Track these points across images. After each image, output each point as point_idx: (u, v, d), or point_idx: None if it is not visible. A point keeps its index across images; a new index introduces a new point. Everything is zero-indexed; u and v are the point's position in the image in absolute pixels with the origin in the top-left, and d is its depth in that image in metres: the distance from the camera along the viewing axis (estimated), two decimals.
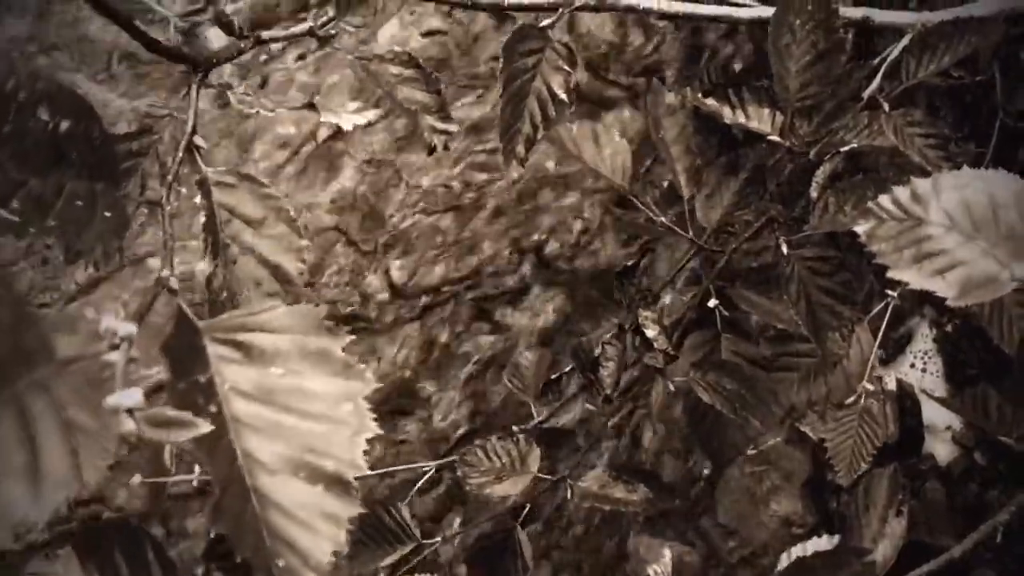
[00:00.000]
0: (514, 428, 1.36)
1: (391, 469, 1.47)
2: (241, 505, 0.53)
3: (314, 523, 0.54)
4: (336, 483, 0.55)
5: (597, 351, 1.36)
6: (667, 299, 1.38)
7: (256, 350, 0.56)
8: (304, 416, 0.56)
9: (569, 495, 1.33)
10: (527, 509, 1.35)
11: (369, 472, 1.42)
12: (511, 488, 1.28)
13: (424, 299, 1.56)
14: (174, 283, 0.61)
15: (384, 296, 1.53)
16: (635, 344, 1.35)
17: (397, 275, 1.54)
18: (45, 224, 0.57)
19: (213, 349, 0.56)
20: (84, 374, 0.50)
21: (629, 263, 1.48)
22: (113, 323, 0.53)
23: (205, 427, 0.51)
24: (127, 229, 0.64)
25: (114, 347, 0.52)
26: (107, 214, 0.61)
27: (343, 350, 0.56)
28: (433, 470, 1.41)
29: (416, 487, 1.38)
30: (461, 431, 1.56)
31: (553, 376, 1.43)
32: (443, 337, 1.57)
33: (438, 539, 1.32)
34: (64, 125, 0.60)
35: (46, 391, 0.48)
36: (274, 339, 0.57)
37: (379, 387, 0.58)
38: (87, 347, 0.51)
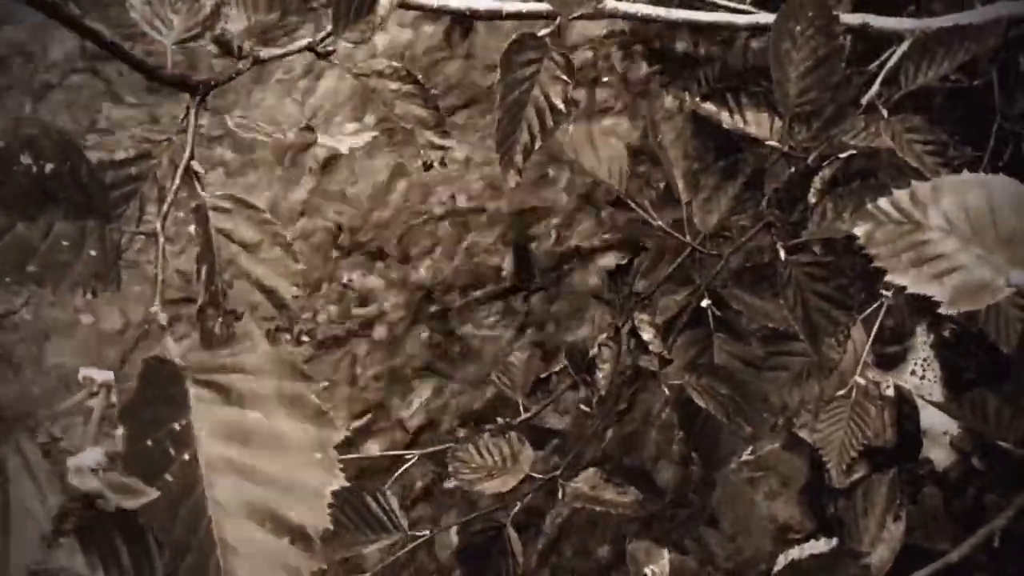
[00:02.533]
0: (499, 420, 1.36)
1: (375, 455, 1.47)
2: (203, 560, 0.53)
3: None
4: (300, 536, 0.55)
5: (592, 352, 1.36)
6: (660, 299, 1.38)
7: (235, 393, 0.57)
8: (276, 463, 0.56)
9: (560, 495, 1.33)
10: (517, 507, 1.34)
11: (353, 455, 1.41)
12: (501, 486, 1.27)
13: (416, 297, 1.56)
14: (163, 319, 0.60)
15: (378, 291, 1.54)
16: (630, 346, 1.35)
17: (391, 273, 1.54)
18: (24, 272, 0.58)
19: (194, 391, 0.56)
20: (42, 441, 0.51)
21: (622, 262, 1.48)
22: (91, 371, 0.53)
23: (154, 494, 0.51)
24: (120, 256, 0.64)
25: (93, 395, 0.53)
26: (92, 253, 0.61)
27: (317, 396, 0.57)
28: (416, 458, 1.41)
29: (396, 474, 1.38)
30: (447, 427, 1.56)
31: (543, 375, 1.43)
32: (435, 335, 1.57)
33: (426, 532, 1.31)
34: (49, 167, 0.60)
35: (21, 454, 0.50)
36: (253, 382, 0.57)
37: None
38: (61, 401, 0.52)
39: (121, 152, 0.71)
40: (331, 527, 0.55)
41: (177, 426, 0.55)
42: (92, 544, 0.56)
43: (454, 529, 1.42)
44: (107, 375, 0.54)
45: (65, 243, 0.59)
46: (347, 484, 0.56)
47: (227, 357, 0.58)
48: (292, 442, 0.56)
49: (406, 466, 1.39)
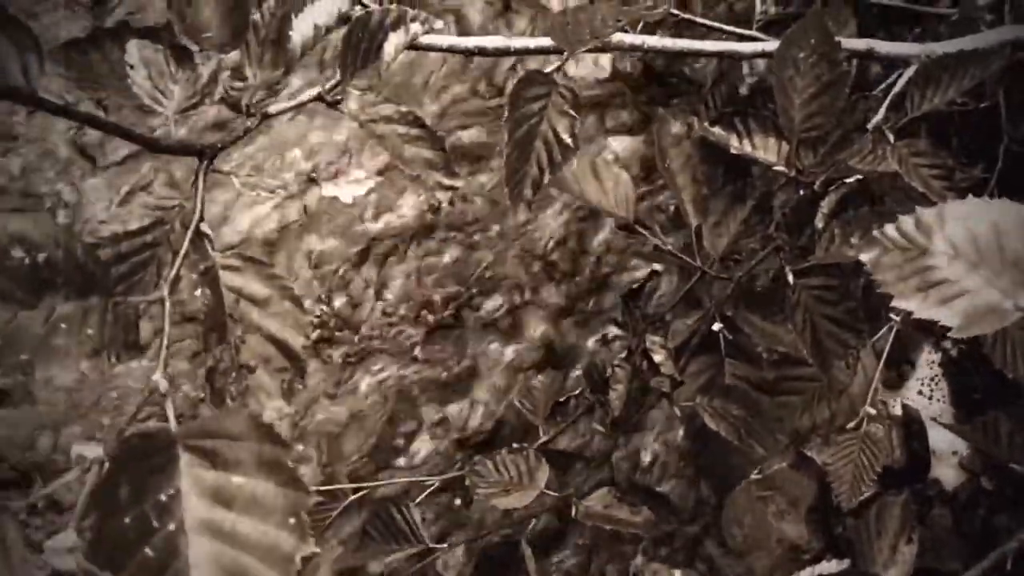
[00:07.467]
0: (515, 445, 1.37)
1: (397, 481, 1.48)
2: None
3: None
4: None
5: (607, 373, 1.37)
6: (672, 323, 1.39)
7: (221, 458, 0.58)
8: (255, 527, 0.57)
9: (574, 513, 1.34)
10: (532, 523, 1.36)
11: (375, 483, 1.43)
12: (517, 501, 1.29)
13: (428, 319, 1.57)
14: (163, 386, 0.62)
15: (389, 313, 1.55)
16: (642, 368, 1.36)
17: (400, 294, 1.55)
18: (18, 359, 0.59)
19: (185, 457, 0.57)
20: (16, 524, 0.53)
21: (635, 286, 1.49)
22: (83, 448, 0.55)
23: None
24: (139, 322, 0.65)
25: (85, 471, 0.55)
26: (90, 332, 0.62)
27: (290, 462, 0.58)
28: (436, 484, 1.42)
29: (417, 500, 1.39)
30: (461, 451, 1.57)
31: (562, 399, 1.44)
32: (446, 357, 1.57)
33: (445, 545, 1.33)
34: (41, 257, 0.61)
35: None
36: (236, 447, 0.58)
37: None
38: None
39: (135, 222, 0.73)
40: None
41: (164, 496, 0.56)
42: None
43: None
44: (98, 451, 0.56)
45: (63, 326, 0.61)
46: (317, 551, 0.58)
47: (214, 422, 0.59)
48: (269, 506, 0.57)
49: (426, 492, 1.41)
